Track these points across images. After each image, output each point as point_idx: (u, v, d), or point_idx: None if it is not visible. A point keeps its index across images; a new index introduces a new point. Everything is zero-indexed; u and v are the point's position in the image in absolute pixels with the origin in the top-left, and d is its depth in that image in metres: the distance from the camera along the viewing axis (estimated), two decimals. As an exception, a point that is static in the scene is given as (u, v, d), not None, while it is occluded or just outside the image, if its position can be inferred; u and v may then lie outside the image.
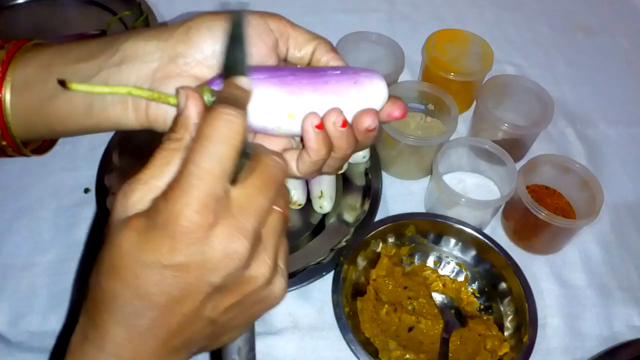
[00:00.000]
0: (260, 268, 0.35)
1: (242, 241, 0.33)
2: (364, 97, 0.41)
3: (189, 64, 0.43)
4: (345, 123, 0.41)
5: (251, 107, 0.39)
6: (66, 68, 0.44)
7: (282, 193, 0.37)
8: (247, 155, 0.35)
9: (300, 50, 0.46)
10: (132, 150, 0.77)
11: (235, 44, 0.39)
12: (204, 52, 0.43)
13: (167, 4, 0.99)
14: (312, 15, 1.03)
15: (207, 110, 0.34)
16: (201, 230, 0.32)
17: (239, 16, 0.39)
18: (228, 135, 0.32)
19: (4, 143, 0.48)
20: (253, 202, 0.34)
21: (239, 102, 0.35)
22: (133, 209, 0.34)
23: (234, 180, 0.34)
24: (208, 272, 0.33)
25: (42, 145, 0.55)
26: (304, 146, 0.42)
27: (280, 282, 0.37)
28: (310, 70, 0.42)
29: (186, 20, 0.44)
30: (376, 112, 0.42)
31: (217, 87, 0.40)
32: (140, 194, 0.34)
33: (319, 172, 0.45)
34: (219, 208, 0.32)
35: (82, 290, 0.57)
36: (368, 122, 0.41)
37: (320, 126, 0.41)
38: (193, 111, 0.35)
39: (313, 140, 0.41)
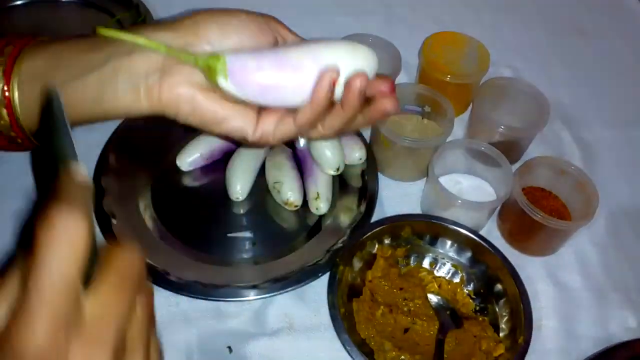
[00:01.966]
0: None
1: (104, 357, 0.28)
2: (358, 58, 0.44)
3: (197, 53, 0.44)
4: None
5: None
6: (76, 56, 0.45)
7: (142, 287, 0.32)
8: (95, 256, 0.30)
9: None
10: (128, 151, 0.78)
11: (56, 124, 0.33)
12: (213, 44, 0.44)
13: (165, 6, 0.99)
14: (309, 18, 1.03)
15: (41, 219, 0.27)
16: (63, 350, 0.27)
17: (53, 94, 0.33)
18: (67, 240, 0.27)
19: (12, 134, 0.49)
20: (109, 309, 0.29)
21: (77, 198, 0.29)
22: None
23: (85, 285, 0.29)
24: None
25: None
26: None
27: None
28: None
29: (193, 14, 0.45)
30: (364, 75, 0.43)
31: (233, 67, 0.42)
32: None
33: (312, 122, 0.46)
34: (71, 328, 0.27)
35: None
36: (356, 85, 0.42)
37: (335, 82, 0.42)
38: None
39: (324, 90, 0.42)
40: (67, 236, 0.27)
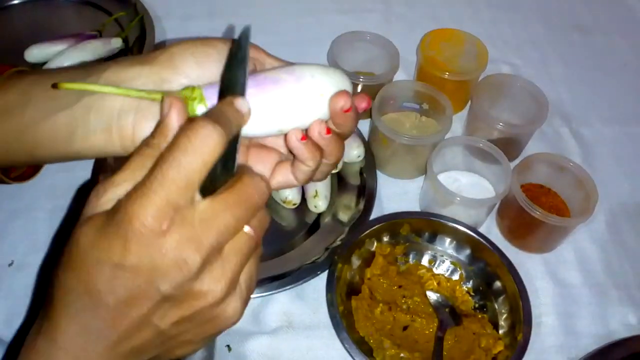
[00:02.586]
0: (213, 285, 0.34)
1: (194, 253, 0.32)
2: (331, 82, 0.42)
3: (173, 89, 0.41)
4: (329, 130, 0.42)
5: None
6: (47, 94, 0.43)
7: (258, 216, 0.36)
8: (229, 173, 0.35)
9: None
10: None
11: (237, 63, 0.38)
12: (190, 77, 0.42)
13: (162, 5, 0.99)
14: (307, 16, 1.03)
15: (189, 121, 0.34)
16: (153, 235, 0.32)
17: (245, 36, 0.38)
18: (201, 149, 0.32)
19: None
20: (218, 217, 0.33)
21: (226, 120, 0.34)
22: (100, 208, 0.34)
23: (208, 194, 0.34)
24: (157, 278, 0.32)
25: (25, 172, 0.54)
26: (295, 157, 0.43)
27: (235, 303, 0.36)
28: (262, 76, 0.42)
29: (168, 47, 0.43)
30: (347, 92, 0.42)
31: (210, 96, 0.39)
32: (110, 194, 0.34)
33: (313, 176, 0.45)
34: (177, 217, 0.32)
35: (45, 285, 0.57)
36: (342, 102, 0.41)
37: (305, 137, 0.41)
38: (174, 119, 0.35)
39: (304, 150, 0.41)
40: (202, 144, 0.32)
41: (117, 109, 0.42)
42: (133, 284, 0.32)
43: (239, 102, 0.37)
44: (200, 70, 0.42)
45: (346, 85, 0.42)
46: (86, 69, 0.43)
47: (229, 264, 0.35)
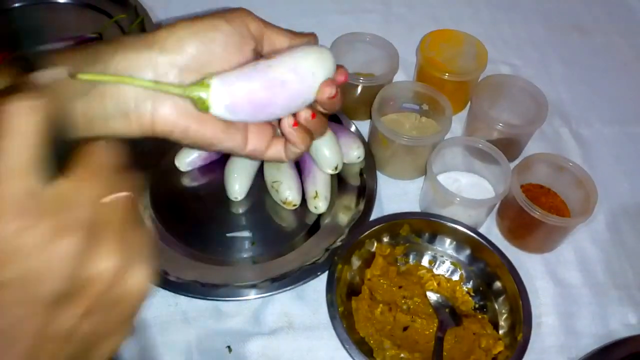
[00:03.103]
0: (103, 263, 0.30)
1: (69, 239, 0.28)
2: (326, 61, 0.47)
3: (184, 85, 0.43)
4: (314, 115, 0.47)
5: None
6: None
7: (119, 178, 0.32)
8: (67, 148, 0.31)
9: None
10: (126, 151, 0.77)
11: None
12: (200, 61, 0.44)
13: (163, 6, 0.99)
14: (308, 17, 1.03)
15: None
16: (16, 238, 0.27)
17: None
18: (21, 126, 0.27)
19: None
20: (78, 194, 0.29)
21: (30, 88, 0.30)
22: None
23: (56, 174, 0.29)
24: (35, 286, 0.28)
25: None
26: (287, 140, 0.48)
27: (137, 274, 0.32)
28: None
29: (171, 28, 0.44)
30: (332, 81, 0.46)
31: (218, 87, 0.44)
32: None
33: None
34: (32, 208, 0.27)
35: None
36: (328, 91, 0.46)
37: (296, 123, 0.46)
38: None
39: (296, 135, 0.47)
40: (21, 120, 0.27)
41: (134, 96, 0.43)
42: (11, 308, 0.28)
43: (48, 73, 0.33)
44: (209, 55, 0.44)
45: (333, 68, 0.48)
46: (90, 52, 0.43)
47: (110, 236, 0.31)
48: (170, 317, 0.66)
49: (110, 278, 0.30)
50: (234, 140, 0.48)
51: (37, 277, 0.28)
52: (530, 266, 0.73)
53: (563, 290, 0.72)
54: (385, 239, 0.71)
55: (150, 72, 0.43)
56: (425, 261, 0.72)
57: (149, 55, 0.43)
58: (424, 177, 0.80)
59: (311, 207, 0.74)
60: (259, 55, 0.48)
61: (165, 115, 0.44)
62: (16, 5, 0.98)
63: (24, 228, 0.27)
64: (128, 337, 0.34)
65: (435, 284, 0.70)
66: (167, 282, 0.65)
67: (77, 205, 0.29)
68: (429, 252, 0.72)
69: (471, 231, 0.70)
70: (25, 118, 0.28)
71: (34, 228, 0.27)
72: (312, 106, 0.48)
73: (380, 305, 0.66)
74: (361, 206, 0.74)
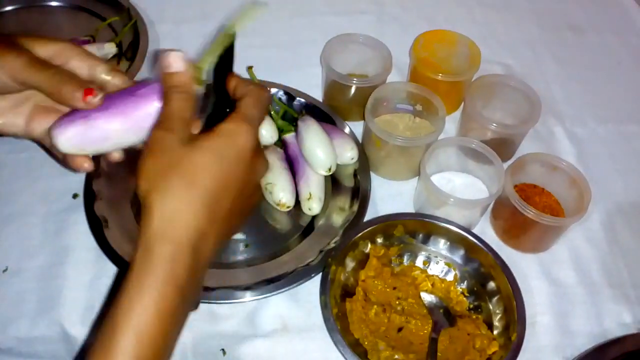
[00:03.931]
0: (263, 168, 0.49)
1: (253, 131, 0.46)
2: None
3: None
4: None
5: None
6: None
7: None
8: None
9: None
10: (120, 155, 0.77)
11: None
12: None
13: (155, 9, 0.99)
14: (300, 17, 1.03)
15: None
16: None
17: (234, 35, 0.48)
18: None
19: None
20: (253, 112, 0.46)
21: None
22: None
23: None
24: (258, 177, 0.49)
25: None
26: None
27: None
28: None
29: None
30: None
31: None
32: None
33: None
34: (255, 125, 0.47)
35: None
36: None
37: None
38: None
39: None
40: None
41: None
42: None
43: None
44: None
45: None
46: None
47: (263, 155, 0.49)
48: (164, 320, 0.66)
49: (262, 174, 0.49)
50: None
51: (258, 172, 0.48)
52: (524, 266, 0.73)
53: (557, 289, 0.72)
54: (380, 240, 0.71)
55: None
56: (419, 262, 0.72)
57: None
58: (417, 177, 0.80)
59: (305, 209, 0.73)
60: None
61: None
62: (9, 8, 0.98)
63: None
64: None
65: (429, 284, 0.70)
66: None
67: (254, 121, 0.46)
68: (423, 253, 0.72)
69: (465, 231, 0.70)
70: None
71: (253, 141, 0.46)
72: None
73: (375, 306, 0.66)
74: (355, 207, 0.74)
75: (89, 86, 0.47)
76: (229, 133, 0.44)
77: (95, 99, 0.47)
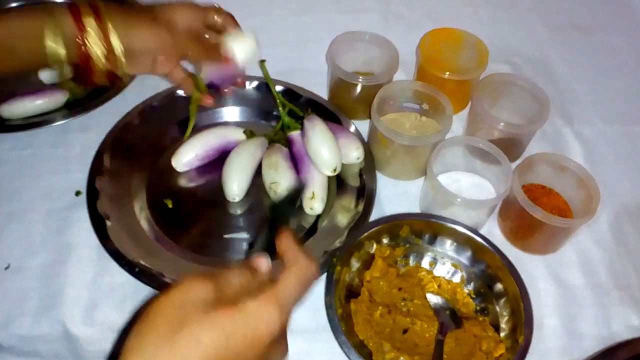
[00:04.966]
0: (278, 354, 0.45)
1: (283, 314, 0.41)
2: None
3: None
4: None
5: None
6: None
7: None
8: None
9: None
10: (123, 153, 0.77)
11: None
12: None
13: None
14: (306, 16, 1.02)
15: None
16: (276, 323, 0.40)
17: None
18: (309, 279, 0.45)
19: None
20: (291, 291, 0.43)
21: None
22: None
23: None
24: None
25: None
26: None
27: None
28: None
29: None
30: None
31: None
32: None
33: None
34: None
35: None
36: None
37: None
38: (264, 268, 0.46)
39: None
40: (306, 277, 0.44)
41: None
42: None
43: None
44: None
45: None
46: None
47: (282, 343, 0.45)
48: (167, 319, 0.65)
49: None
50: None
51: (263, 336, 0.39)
52: (532, 268, 0.72)
53: (565, 291, 0.71)
54: (385, 241, 0.70)
55: None
56: (425, 263, 0.71)
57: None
58: (424, 177, 0.79)
59: (307, 208, 0.73)
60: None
61: None
62: (12, 5, 0.97)
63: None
64: None
65: (435, 285, 0.69)
66: (163, 284, 0.65)
67: (289, 302, 0.42)
68: (429, 254, 0.71)
69: (472, 232, 0.69)
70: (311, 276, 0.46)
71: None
72: None
73: (380, 307, 0.65)
74: (360, 207, 0.73)
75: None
76: (252, 311, 0.39)
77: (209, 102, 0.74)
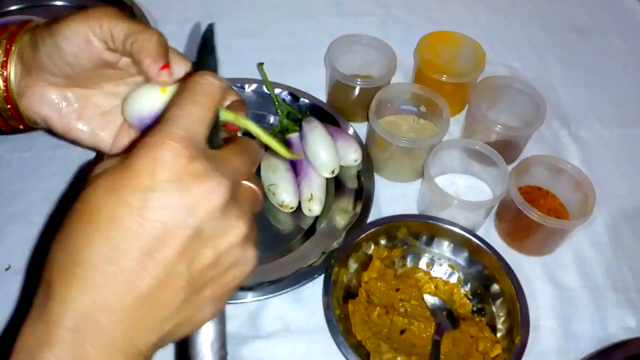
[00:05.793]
0: (238, 221, 0.34)
1: (218, 186, 0.32)
2: None
3: None
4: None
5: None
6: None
7: (254, 180, 0.38)
8: (219, 129, 0.39)
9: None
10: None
11: (207, 54, 0.42)
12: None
13: (159, 8, 0.99)
14: (305, 19, 1.03)
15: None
16: (179, 165, 0.31)
17: (210, 31, 0.43)
18: (207, 92, 0.34)
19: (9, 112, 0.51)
20: (230, 160, 0.35)
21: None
22: (110, 164, 0.33)
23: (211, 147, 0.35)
24: (186, 211, 0.31)
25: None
26: None
27: (253, 250, 0.36)
28: None
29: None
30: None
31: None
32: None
33: None
34: (197, 152, 0.32)
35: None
36: None
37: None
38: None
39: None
40: (208, 88, 0.35)
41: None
42: (162, 220, 0.31)
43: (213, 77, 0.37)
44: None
45: None
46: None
47: (244, 207, 0.35)
48: (166, 320, 0.66)
49: (239, 236, 0.34)
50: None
51: (191, 206, 0.31)
52: (528, 269, 0.73)
53: (561, 293, 0.72)
54: (383, 242, 0.71)
55: None
56: (422, 264, 0.72)
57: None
58: (421, 179, 0.79)
59: (305, 210, 0.73)
60: None
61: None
62: (13, 7, 0.98)
63: (191, 161, 0.32)
64: (219, 313, 0.38)
65: (432, 286, 0.70)
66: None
67: (230, 166, 0.34)
68: (427, 255, 0.72)
69: (469, 234, 0.69)
70: (214, 86, 0.35)
71: (198, 163, 0.32)
72: None
73: (377, 308, 0.66)
74: (358, 209, 0.74)
75: (168, 62, 0.44)
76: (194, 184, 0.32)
77: (166, 78, 0.44)
